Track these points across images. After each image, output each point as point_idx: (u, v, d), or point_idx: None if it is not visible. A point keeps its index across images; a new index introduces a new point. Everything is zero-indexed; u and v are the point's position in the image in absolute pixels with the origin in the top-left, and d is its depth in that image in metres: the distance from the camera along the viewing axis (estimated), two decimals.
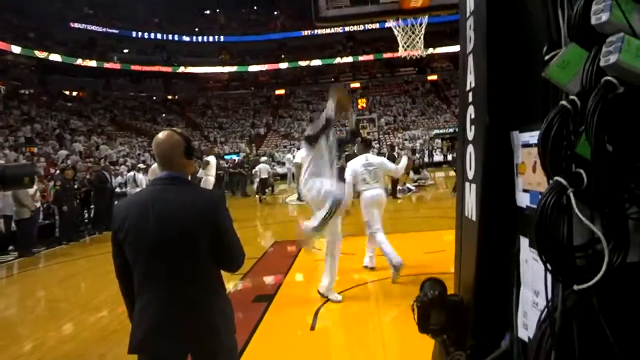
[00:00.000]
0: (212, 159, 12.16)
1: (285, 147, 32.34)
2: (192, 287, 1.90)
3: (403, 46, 7.30)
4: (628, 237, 1.08)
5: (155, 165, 11.20)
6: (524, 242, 1.34)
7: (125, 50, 40.41)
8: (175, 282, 1.89)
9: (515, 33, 1.53)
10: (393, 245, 5.40)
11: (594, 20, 1.10)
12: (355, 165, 5.78)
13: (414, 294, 1.75)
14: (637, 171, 1.09)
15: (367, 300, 4.81)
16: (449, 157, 26.44)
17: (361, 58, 42.26)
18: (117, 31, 39.73)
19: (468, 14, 1.90)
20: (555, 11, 1.29)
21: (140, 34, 40.96)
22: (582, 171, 1.09)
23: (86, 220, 11.72)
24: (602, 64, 1.06)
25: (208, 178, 11.74)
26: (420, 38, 7.24)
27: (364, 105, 38.42)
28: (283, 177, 22.32)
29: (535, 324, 1.19)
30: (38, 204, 10.10)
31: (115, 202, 2.17)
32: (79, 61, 35.99)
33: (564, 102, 1.15)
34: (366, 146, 6.26)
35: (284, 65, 42.91)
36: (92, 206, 11.85)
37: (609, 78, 1.04)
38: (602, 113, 1.02)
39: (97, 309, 5.27)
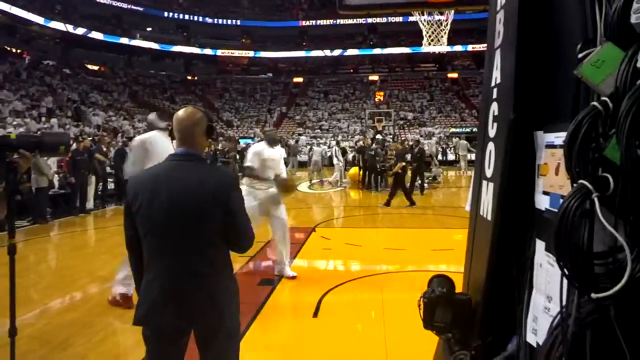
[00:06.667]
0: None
1: (300, 134, 32.33)
2: (199, 263, 1.91)
3: (427, 41, 7.19)
4: None
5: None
6: (540, 245, 1.30)
7: (149, 29, 40.56)
8: (183, 258, 1.89)
9: (547, 29, 1.47)
10: (402, 240, 5.48)
11: (634, 19, 1.04)
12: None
13: (421, 290, 1.73)
14: None
15: (372, 292, 4.80)
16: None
17: (382, 50, 41.81)
18: (141, 9, 39.81)
19: (499, 7, 1.84)
20: (593, 8, 1.24)
21: (164, 13, 40.97)
22: (609, 176, 1.04)
23: (100, 193, 11.92)
24: (639, 65, 1.01)
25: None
26: (445, 33, 7.12)
27: (381, 98, 38.16)
28: (302, 164, 22.33)
29: (546, 330, 1.15)
30: (52, 172, 10.38)
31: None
32: (102, 36, 36.26)
33: (595, 103, 1.10)
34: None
35: (303, 53, 42.71)
36: (109, 179, 12.13)
37: None
38: (635, 116, 0.98)
39: (105, 279, 5.33)
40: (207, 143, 2.09)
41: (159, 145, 4.17)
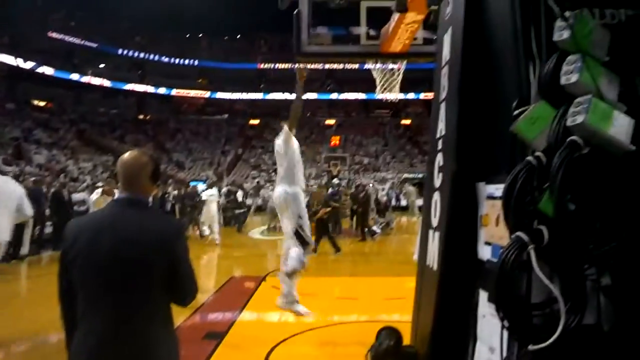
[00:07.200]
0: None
1: (254, 178, 32.04)
2: (139, 318, 1.78)
3: (380, 88, 7.44)
4: (585, 299, 1.07)
5: None
6: (483, 296, 1.31)
7: (102, 65, 39.87)
8: (122, 311, 1.77)
9: (487, 86, 1.55)
10: (354, 288, 5.31)
11: (563, 81, 1.12)
12: None
13: (371, 341, 1.69)
14: (597, 232, 1.09)
15: (322, 345, 4.64)
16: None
17: (338, 96, 42.98)
18: (95, 45, 39.27)
19: (443, 63, 1.93)
20: (527, 69, 1.32)
21: (119, 50, 40.60)
22: (543, 228, 1.08)
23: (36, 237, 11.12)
24: (568, 123, 1.07)
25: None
26: (397, 82, 7.40)
27: (337, 142, 38.89)
28: (257, 208, 21.20)
29: None
30: None
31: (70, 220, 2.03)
32: (52, 71, 35.29)
33: (529, 158, 1.15)
34: None
35: (260, 96, 43.22)
36: (47, 223, 11.34)
37: (574, 138, 1.05)
38: (566, 172, 1.03)
39: (37, 333, 4.90)
40: (153, 188, 2.01)
41: (5, 189, 4.79)
